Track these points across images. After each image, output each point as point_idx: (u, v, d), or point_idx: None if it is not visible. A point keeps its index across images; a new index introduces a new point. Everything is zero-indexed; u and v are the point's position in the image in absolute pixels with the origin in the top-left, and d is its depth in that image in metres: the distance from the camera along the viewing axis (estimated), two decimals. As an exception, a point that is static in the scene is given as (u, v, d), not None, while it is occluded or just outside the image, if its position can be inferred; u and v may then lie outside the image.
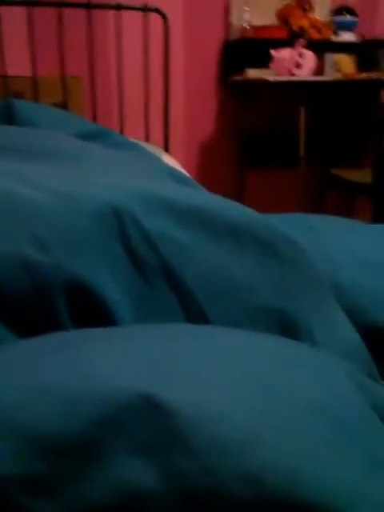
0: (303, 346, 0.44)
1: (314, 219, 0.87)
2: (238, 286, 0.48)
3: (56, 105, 1.57)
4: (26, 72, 1.71)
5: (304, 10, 2.25)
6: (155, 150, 1.50)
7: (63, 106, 1.69)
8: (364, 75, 2.11)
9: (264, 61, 2.10)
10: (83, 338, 0.38)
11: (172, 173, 0.91)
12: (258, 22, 2.22)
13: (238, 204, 0.60)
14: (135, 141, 1.30)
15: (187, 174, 1.20)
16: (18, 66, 1.71)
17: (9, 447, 0.29)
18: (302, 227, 0.77)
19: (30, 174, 0.53)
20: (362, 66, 2.31)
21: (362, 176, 1.93)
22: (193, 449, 0.28)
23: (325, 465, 0.29)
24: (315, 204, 2.17)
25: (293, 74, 2.03)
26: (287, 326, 0.48)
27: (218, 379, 0.32)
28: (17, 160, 0.71)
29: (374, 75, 2.09)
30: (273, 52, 2.06)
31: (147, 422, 0.29)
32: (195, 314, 0.46)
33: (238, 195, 2.45)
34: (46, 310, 0.42)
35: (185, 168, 1.53)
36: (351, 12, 2.35)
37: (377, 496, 0.29)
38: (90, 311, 0.43)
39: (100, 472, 0.28)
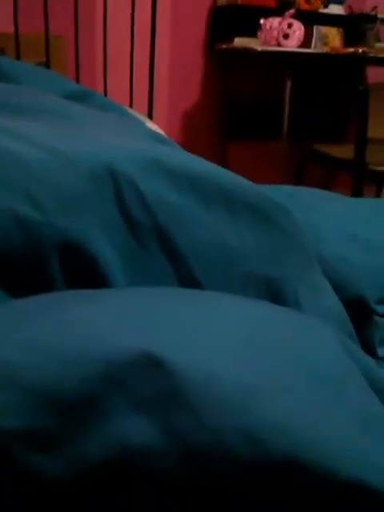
0: (293, 312, 0.46)
1: (294, 189, 0.88)
2: (230, 252, 0.48)
3: (39, 64, 1.52)
4: (9, 29, 1.65)
5: (294, -22, 2.21)
6: (139, 115, 1.48)
7: (46, 65, 1.64)
8: (350, 49, 2.10)
9: (252, 29, 2.08)
10: (82, 298, 0.39)
11: (161, 139, 0.91)
12: (247, -11, 2.18)
13: (229, 171, 0.60)
14: (120, 105, 1.28)
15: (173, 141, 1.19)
16: (1, 23, 1.65)
17: (11, 399, 0.29)
18: (282, 196, 0.78)
19: (23, 130, 0.52)
20: (348, 39, 2.30)
21: (344, 151, 1.94)
22: (192, 406, 0.29)
23: (316, 422, 0.30)
24: (296, 177, 2.19)
25: (280, 45, 2.01)
26: (275, 293, 0.50)
27: (216, 341, 0.33)
28: (6, 116, 0.69)
29: (360, 50, 2.09)
30: (261, 21, 2.03)
31: (148, 380, 0.30)
32: (187, 278, 0.46)
33: (221, 164, 2.44)
34: (39, 268, 0.42)
35: (168, 135, 1.51)
36: (341, -16, 2.33)
37: (364, 453, 0.30)
38: (84, 271, 0.43)
39: (101, 428, 0.29)
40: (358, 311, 0.63)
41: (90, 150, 0.49)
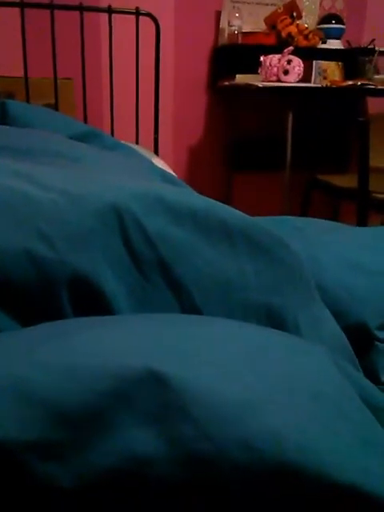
0: (290, 335, 0.47)
1: (299, 221, 0.90)
2: (230, 283, 0.50)
3: (47, 106, 1.58)
4: (18, 73, 1.72)
5: (292, 17, 2.29)
6: (145, 152, 1.53)
7: (54, 107, 1.70)
8: (350, 82, 2.16)
9: (253, 66, 2.14)
10: (90, 323, 0.41)
11: (164, 175, 0.94)
12: (247, 29, 2.26)
13: (230, 206, 0.62)
14: (126, 143, 1.32)
15: (177, 177, 1.22)
16: (11, 66, 1.72)
17: (24, 414, 0.31)
18: (288, 228, 0.80)
19: (35, 173, 0.55)
20: (348, 72, 2.36)
21: (348, 181, 1.97)
22: (193, 417, 0.31)
23: (312, 432, 0.32)
24: (301, 208, 2.21)
25: (280, 80, 2.07)
26: (275, 321, 0.51)
27: (216, 358, 0.35)
28: (18, 159, 0.72)
29: (359, 82, 2.14)
30: (261, 58, 2.10)
31: (152, 395, 0.32)
32: (189, 308, 0.48)
33: (226, 197, 2.48)
34: (49, 302, 0.44)
35: (174, 170, 1.56)
36: (338, 20, 2.40)
37: (359, 460, 0.31)
38: (91, 302, 0.46)
39: (108, 440, 0.31)
40: (360, 338, 0.64)
41: (95, 190, 0.51)
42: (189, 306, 0.48)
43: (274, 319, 0.51)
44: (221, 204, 0.61)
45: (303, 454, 0.30)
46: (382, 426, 0.38)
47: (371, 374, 0.62)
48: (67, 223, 0.47)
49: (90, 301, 0.45)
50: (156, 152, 1.95)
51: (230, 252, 0.52)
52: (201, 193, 0.94)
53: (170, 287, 0.48)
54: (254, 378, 0.34)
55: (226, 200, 2.47)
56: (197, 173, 2.50)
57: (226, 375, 0.34)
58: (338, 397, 0.36)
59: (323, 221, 0.92)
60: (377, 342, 0.64)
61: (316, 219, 0.92)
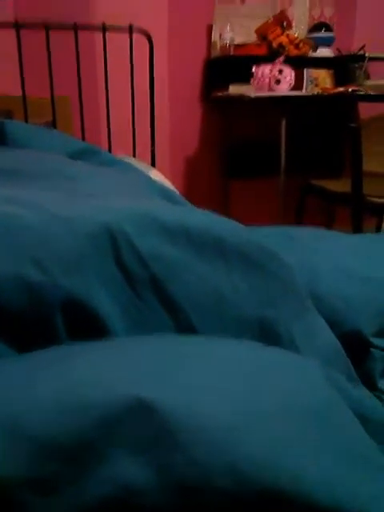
0: (281, 351, 0.48)
1: (294, 230, 0.91)
2: (224, 299, 0.51)
3: (45, 124, 1.61)
4: (16, 92, 1.76)
5: (282, 27, 2.33)
6: (143, 165, 1.55)
7: (52, 125, 1.73)
8: (341, 89, 2.19)
9: (245, 77, 2.18)
10: (80, 350, 0.41)
11: (160, 190, 0.95)
12: (239, 40, 2.29)
13: (225, 219, 0.63)
14: (123, 157, 1.34)
15: (174, 189, 1.25)
16: (8, 85, 1.76)
17: (15, 449, 0.31)
18: (283, 238, 0.81)
19: (26, 197, 0.56)
20: (338, 79, 2.39)
21: (341, 186, 2.00)
22: (182, 444, 0.31)
23: (298, 456, 0.32)
24: (296, 213, 2.24)
25: (272, 90, 2.10)
26: (270, 336, 0.52)
27: (203, 382, 0.36)
28: (11, 183, 0.74)
29: (350, 89, 2.17)
30: (253, 68, 2.14)
31: (141, 423, 0.32)
32: (184, 325, 0.49)
33: (223, 204, 2.51)
34: (44, 326, 0.44)
35: (171, 181, 1.58)
36: (328, 28, 2.44)
37: (345, 483, 0.32)
38: (86, 324, 0.46)
39: (99, 470, 0.31)
40: (356, 346, 0.64)
41: (88, 212, 0.52)
42: (183, 324, 0.49)
43: (268, 333, 0.52)
44: (217, 219, 0.62)
45: (290, 480, 0.30)
46: (378, 438, 0.38)
47: (368, 381, 0.63)
48: (59, 247, 0.47)
49: (84, 323, 0.45)
50: (153, 164, 1.98)
51: (223, 269, 0.53)
52: (198, 201, 0.97)
53: (163, 305, 0.48)
54: (243, 400, 0.35)
55: (224, 207, 2.50)
56: (194, 182, 2.53)
57: (214, 399, 0.34)
58: (328, 415, 0.36)
59: (317, 229, 0.93)
60: (372, 349, 0.65)
61: (310, 228, 0.93)
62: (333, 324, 0.63)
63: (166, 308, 0.49)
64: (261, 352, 0.44)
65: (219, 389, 0.36)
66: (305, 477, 0.31)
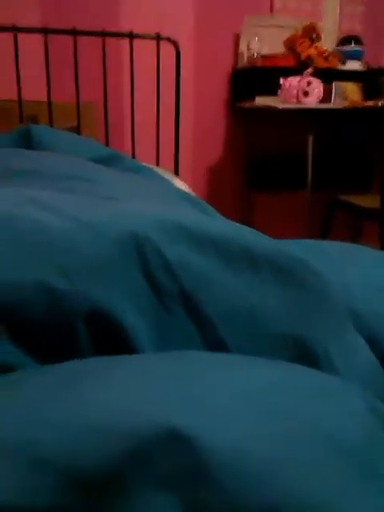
0: (319, 374, 0.44)
1: (324, 244, 0.88)
2: (255, 314, 0.48)
3: (69, 129, 1.60)
4: (42, 97, 1.76)
5: (311, 39, 2.30)
6: (166, 174, 1.53)
7: (77, 130, 1.72)
8: (370, 103, 2.15)
9: (272, 88, 2.15)
10: (105, 369, 0.39)
11: (187, 198, 0.93)
12: (266, 51, 2.27)
13: (254, 231, 0.61)
14: (147, 164, 1.32)
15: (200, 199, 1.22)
16: (34, 90, 1.76)
17: (36, 478, 0.29)
18: (316, 252, 0.77)
19: (52, 201, 0.54)
20: (367, 93, 2.35)
21: (369, 201, 1.95)
22: (218, 484, 0.28)
23: (344, 499, 0.29)
24: (323, 228, 2.19)
25: (300, 102, 2.07)
26: (306, 353, 0.49)
27: (238, 411, 0.33)
28: (36, 184, 0.72)
29: (379, 103, 2.13)
30: (281, 80, 2.11)
31: (173, 457, 0.29)
32: (214, 342, 0.46)
33: (246, 218, 2.48)
34: (66, 336, 0.42)
35: (194, 191, 1.56)
36: (358, 41, 2.41)
37: None
38: (111, 338, 0.43)
39: (125, 506, 0.28)
40: None
41: (113, 218, 0.50)
42: (212, 339, 0.46)
43: (304, 352, 0.49)
44: (245, 228, 0.60)
45: None
46: None
47: None
48: (84, 253, 0.45)
49: (108, 335, 0.43)
50: (176, 173, 1.96)
51: (254, 280, 0.50)
52: (221, 213, 0.94)
53: (192, 319, 0.46)
54: (282, 432, 0.32)
55: (247, 220, 2.46)
56: (217, 193, 2.50)
57: (251, 431, 0.31)
58: (366, 449, 0.33)
59: (345, 243, 0.90)
60: None
61: (338, 242, 0.90)
62: (371, 343, 0.59)
63: (195, 322, 0.46)
64: (298, 377, 0.40)
65: (255, 419, 0.32)
66: None
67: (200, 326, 0.46)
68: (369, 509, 0.29)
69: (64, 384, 0.36)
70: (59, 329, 0.42)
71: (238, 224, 0.60)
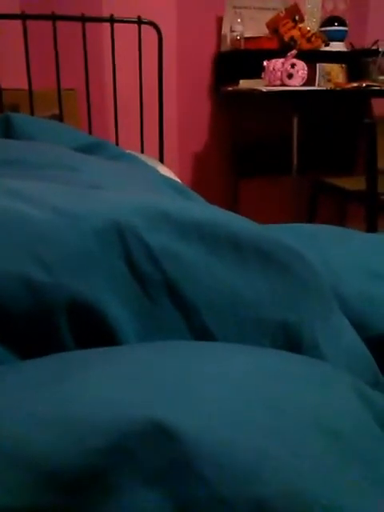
0: (307, 361, 0.44)
1: (311, 228, 0.87)
2: (241, 300, 0.47)
3: (51, 117, 1.58)
4: (22, 85, 1.72)
5: (294, 20, 2.28)
6: (151, 160, 1.52)
7: (59, 118, 1.70)
8: (354, 84, 2.14)
9: (256, 71, 2.13)
10: (86, 361, 0.38)
11: (171, 184, 0.92)
12: (249, 34, 2.25)
13: (239, 216, 0.60)
14: (131, 152, 1.31)
15: (184, 185, 1.21)
16: (14, 78, 1.72)
17: (14, 478, 0.28)
18: (302, 236, 0.77)
19: (31, 191, 0.53)
20: (351, 74, 2.34)
21: (354, 183, 1.95)
22: (204, 477, 0.28)
23: (334, 488, 0.29)
24: (308, 211, 2.19)
25: (284, 84, 2.05)
26: (292, 339, 0.48)
27: (224, 401, 0.32)
28: (16, 174, 0.71)
29: (363, 84, 2.12)
30: (265, 62, 2.09)
31: (157, 450, 0.29)
32: (199, 330, 0.45)
33: (232, 203, 2.47)
34: (48, 329, 0.41)
35: (179, 178, 1.54)
36: (341, 22, 2.39)
37: None
38: (93, 329, 0.43)
39: (109, 503, 0.28)
40: (383, 350, 0.60)
41: (95, 207, 0.49)
42: (198, 327, 0.45)
43: (291, 337, 0.48)
44: (230, 214, 0.59)
45: None
46: None
47: None
48: (64, 245, 0.44)
49: (92, 328, 0.42)
50: (161, 160, 1.94)
51: (240, 267, 0.50)
52: (207, 200, 0.93)
53: (177, 308, 0.45)
54: (269, 422, 0.31)
55: (233, 206, 2.46)
56: (202, 179, 2.49)
57: (238, 422, 0.30)
58: (356, 437, 0.33)
59: (335, 227, 0.89)
60: None
61: (327, 226, 0.89)
62: (358, 327, 0.59)
63: (181, 312, 0.45)
64: (286, 365, 0.40)
65: (243, 410, 0.32)
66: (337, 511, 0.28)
67: (185, 314, 0.45)
68: (358, 498, 0.29)
69: (45, 378, 0.35)
70: (40, 322, 0.41)
71: (223, 210, 0.60)
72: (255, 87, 2.04)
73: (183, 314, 0.45)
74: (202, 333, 0.45)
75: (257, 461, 0.28)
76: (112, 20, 1.80)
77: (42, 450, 0.29)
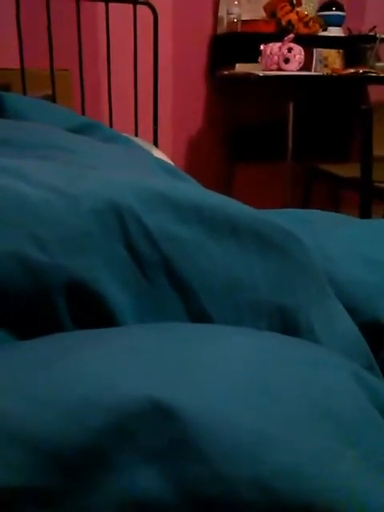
0: (304, 344, 0.44)
1: (306, 213, 0.87)
2: (239, 284, 0.47)
3: (44, 98, 1.56)
4: (14, 64, 1.69)
5: (292, 4, 2.25)
6: (145, 144, 1.50)
7: (52, 99, 1.67)
8: (351, 70, 2.13)
9: (252, 55, 2.11)
10: (86, 341, 0.38)
11: (166, 167, 0.91)
12: (246, 17, 2.22)
13: (236, 201, 0.60)
14: (126, 135, 1.29)
15: (179, 169, 1.20)
16: (6, 58, 1.69)
17: (12, 455, 0.28)
18: (297, 221, 0.77)
19: (26, 169, 0.52)
20: (349, 60, 2.33)
21: (349, 170, 1.95)
22: (204, 455, 0.28)
23: (331, 467, 0.29)
24: (303, 197, 2.19)
25: (281, 69, 2.03)
26: (288, 322, 0.49)
27: (227, 384, 0.32)
28: (11, 154, 0.70)
29: (360, 70, 2.11)
30: (261, 46, 2.07)
31: (157, 429, 0.29)
32: (197, 312, 0.46)
33: (227, 188, 2.46)
34: (45, 310, 0.41)
35: (173, 162, 1.53)
36: (339, 7, 2.37)
37: (380, 498, 0.29)
38: (91, 309, 0.43)
39: (108, 481, 0.28)
40: (376, 334, 0.61)
41: (92, 187, 0.48)
42: (196, 309, 0.45)
43: (287, 320, 0.49)
44: (227, 198, 0.59)
45: (322, 495, 0.28)
46: None
47: None
48: (62, 224, 0.43)
49: (90, 307, 0.42)
50: (155, 144, 1.93)
51: (237, 250, 0.50)
52: (200, 184, 0.92)
53: (175, 290, 0.45)
54: (268, 403, 0.31)
55: (227, 191, 2.45)
56: (197, 164, 2.47)
57: (238, 404, 0.31)
58: (358, 420, 0.33)
59: (330, 213, 0.89)
60: None
61: (323, 211, 0.89)
62: (351, 312, 0.59)
63: (179, 293, 0.45)
64: (286, 348, 0.40)
65: (243, 392, 0.32)
66: (337, 492, 0.28)
67: (183, 296, 0.45)
68: (357, 480, 0.29)
69: (44, 359, 0.35)
70: (38, 302, 0.41)
71: (219, 194, 0.59)
72: (251, 71, 2.02)
73: (181, 296, 0.45)
74: (199, 315, 0.45)
75: (255, 439, 0.29)
76: (107, 0, 1.77)
77: (41, 430, 0.29)
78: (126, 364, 0.33)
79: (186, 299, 0.45)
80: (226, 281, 0.47)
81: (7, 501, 0.27)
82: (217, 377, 0.32)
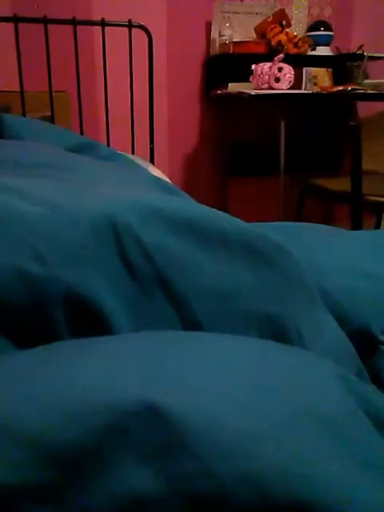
0: (294, 350, 0.46)
1: (297, 226, 0.89)
2: (230, 294, 0.49)
3: (43, 118, 1.60)
4: (14, 87, 1.74)
5: (281, 25, 2.32)
6: (141, 161, 1.54)
7: (50, 120, 1.71)
8: (340, 88, 2.18)
9: (244, 75, 2.17)
10: (82, 347, 0.39)
11: (161, 184, 0.94)
12: (238, 38, 2.28)
13: (228, 215, 0.62)
14: (122, 153, 1.33)
15: (174, 185, 1.23)
16: (6, 80, 1.74)
17: (12, 453, 0.29)
18: (288, 234, 0.79)
19: (25, 186, 0.53)
20: (337, 78, 2.39)
21: (340, 185, 1.99)
22: (195, 453, 0.29)
23: (318, 465, 0.30)
24: (296, 212, 2.23)
25: (272, 88, 2.09)
26: (277, 331, 0.50)
27: (218, 385, 0.33)
28: (10, 173, 0.72)
29: (348, 87, 2.17)
30: (253, 66, 2.13)
31: (150, 430, 0.30)
32: (190, 322, 0.47)
33: (222, 203, 2.50)
34: (43, 321, 0.42)
35: (169, 178, 1.57)
36: (327, 27, 2.44)
37: (366, 495, 0.30)
38: (88, 322, 0.44)
39: (104, 480, 0.29)
40: (364, 342, 0.63)
41: (88, 202, 0.50)
42: (189, 320, 0.47)
43: (276, 329, 0.50)
44: (218, 212, 0.60)
45: (312, 491, 0.28)
46: None
47: (375, 377, 0.61)
48: (59, 238, 0.45)
49: (87, 319, 0.43)
50: (152, 161, 1.97)
51: (228, 262, 0.51)
52: (197, 200, 0.95)
53: (169, 301, 0.46)
54: (258, 405, 0.32)
55: (222, 205, 2.49)
56: (192, 180, 2.52)
57: (229, 404, 0.32)
58: (346, 421, 0.34)
59: (321, 225, 0.91)
60: (381, 346, 0.63)
61: (314, 224, 0.91)
62: (340, 320, 0.61)
63: (173, 305, 0.46)
64: (274, 353, 0.41)
65: (233, 392, 0.33)
66: (326, 489, 0.29)
67: (176, 307, 0.46)
68: (344, 478, 0.30)
69: (42, 362, 0.36)
70: (37, 313, 0.42)
71: (212, 208, 0.62)
72: (244, 90, 2.07)
73: (175, 306, 0.46)
74: (192, 324, 0.47)
75: (245, 438, 0.30)
76: (103, 23, 1.82)
77: (38, 429, 0.30)
78: (122, 368, 0.34)
79: (180, 310, 0.47)
80: (217, 291, 0.49)
81: (6, 498, 0.28)
82: (209, 379, 0.34)
